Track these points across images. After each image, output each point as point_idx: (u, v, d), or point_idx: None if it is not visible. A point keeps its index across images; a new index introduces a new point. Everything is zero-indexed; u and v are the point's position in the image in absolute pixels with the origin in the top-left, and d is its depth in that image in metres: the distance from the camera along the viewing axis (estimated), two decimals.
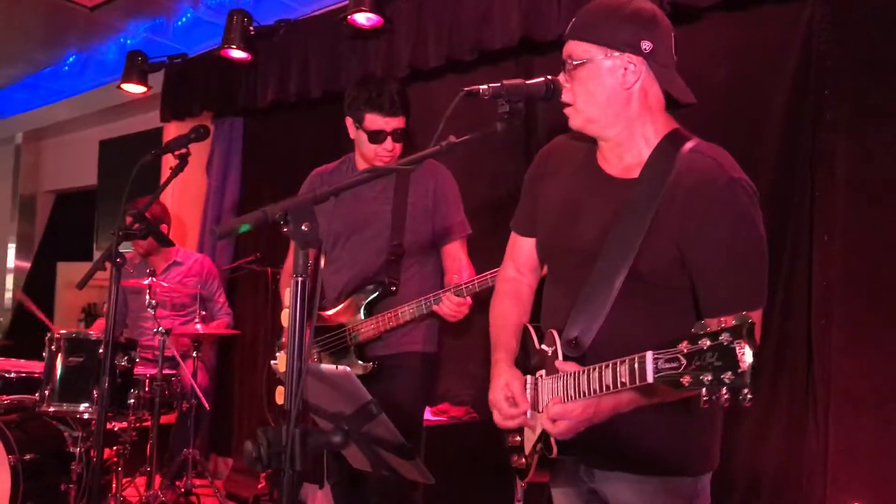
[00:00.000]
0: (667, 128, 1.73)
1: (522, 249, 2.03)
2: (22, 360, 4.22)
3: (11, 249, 8.49)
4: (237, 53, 4.77)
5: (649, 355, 1.39)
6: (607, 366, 1.51)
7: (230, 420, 5.38)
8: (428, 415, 3.71)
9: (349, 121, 2.92)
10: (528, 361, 1.86)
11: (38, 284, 8.05)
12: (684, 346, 1.32)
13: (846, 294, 2.77)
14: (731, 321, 1.28)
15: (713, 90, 3.08)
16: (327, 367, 1.49)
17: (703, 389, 1.28)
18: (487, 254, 3.85)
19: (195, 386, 4.06)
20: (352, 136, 2.94)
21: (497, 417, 1.82)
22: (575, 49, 1.70)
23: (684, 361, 1.32)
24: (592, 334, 1.66)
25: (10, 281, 8.49)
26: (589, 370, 1.56)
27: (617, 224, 1.66)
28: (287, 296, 1.41)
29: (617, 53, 1.66)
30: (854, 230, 2.80)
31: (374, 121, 2.81)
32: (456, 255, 2.87)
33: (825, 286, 2.82)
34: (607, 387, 1.50)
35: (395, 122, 2.83)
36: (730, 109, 3.08)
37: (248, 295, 5.29)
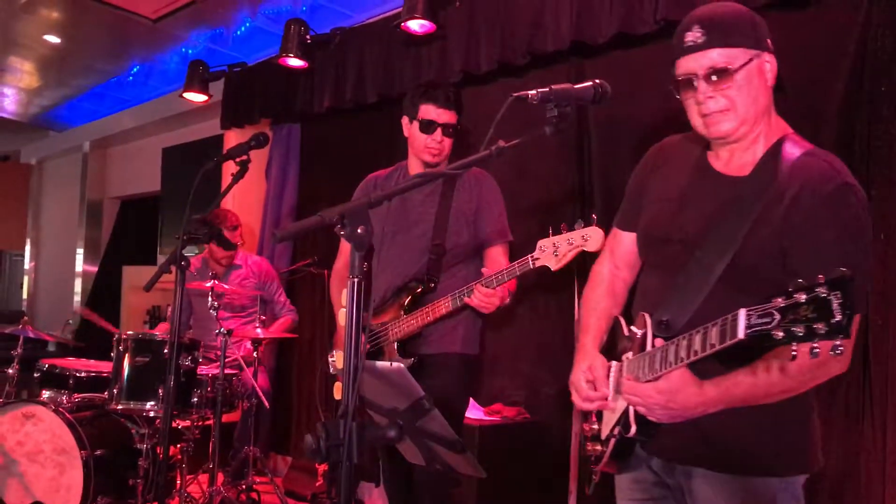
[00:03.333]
0: (781, 129, 1.81)
1: (622, 244, 2.08)
2: (92, 361, 4.39)
3: (80, 254, 8.79)
4: (294, 61, 4.88)
5: (742, 311, 1.36)
6: (697, 331, 1.52)
7: (289, 419, 5.50)
8: (481, 415, 3.76)
9: (405, 119, 3.01)
10: (616, 350, 1.90)
11: (104, 287, 8.32)
12: (779, 301, 1.30)
13: None
14: (828, 276, 1.25)
15: None
16: (381, 363, 1.55)
17: (794, 343, 1.26)
18: None
19: (256, 385, 4.17)
20: (406, 132, 3.02)
21: (576, 399, 1.88)
22: (724, 55, 1.70)
23: (778, 316, 1.29)
24: (684, 319, 1.69)
25: (78, 284, 8.79)
26: (678, 339, 1.58)
27: (722, 217, 1.72)
28: (343, 296, 1.46)
29: (761, 53, 1.73)
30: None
31: (428, 111, 2.92)
32: (496, 258, 2.90)
33: (882, 286, 2.79)
34: (695, 352, 1.51)
35: (447, 116, 2.93)
36: (785, 107, 3.04)
37: (305, 297, 5.40)
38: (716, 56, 1.70)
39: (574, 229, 2.41)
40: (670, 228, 1.84)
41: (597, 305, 2.04)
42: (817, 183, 1.65)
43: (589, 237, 2.36)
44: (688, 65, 1.74)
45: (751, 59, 1.70)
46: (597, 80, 1.78)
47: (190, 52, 6.12)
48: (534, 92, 1.69)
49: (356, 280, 1.45)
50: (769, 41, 1.75)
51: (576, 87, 1.75)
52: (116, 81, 7.15)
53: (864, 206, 1.66)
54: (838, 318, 1.21)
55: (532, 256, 2.52)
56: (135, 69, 6.81)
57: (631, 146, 3.58)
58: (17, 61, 6.77)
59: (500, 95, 1.69)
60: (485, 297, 2.62)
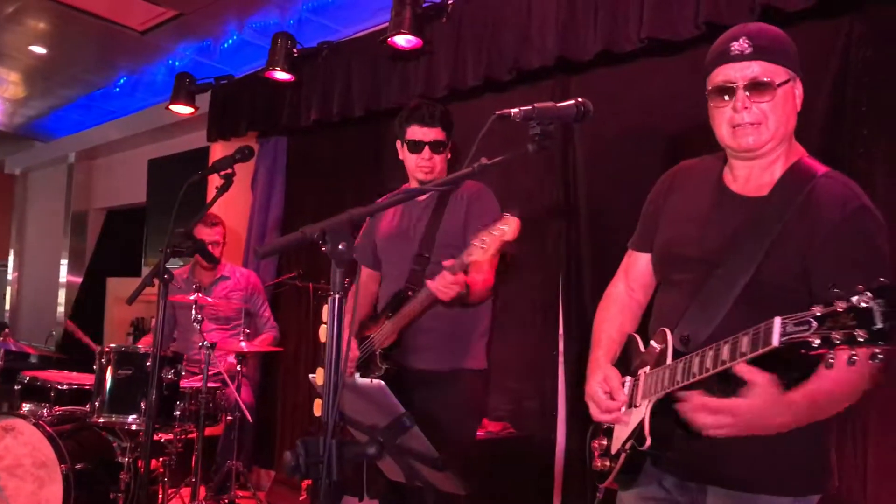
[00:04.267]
0: (798, 152, 1.84)
1: (637, 266, 2.11)
2: (74, 373, 4.36)
3: (64, 265, 8.75)
4: (281, 75, 4.88)
5: (777, 319, 1.36)
6: (725, 342, 1.53)
7: (273, 433, 5.47)
8: None
9: (398, 143, 3.07)
10: (630, 366, 1.91)
11: (88, 299, 8.28)
12: (817, 310, 1.30)
13: None
14: (871, 285, 1.25)
15: None
16: (362, 380, 1.55)
17: (832, 351, 1.27)
18: (527, 271, 3.91)
19: (239, 399, 4.15)
20: (400, 156, 3.08)
21: (594, 411, 1.88)
22: (767, 69, 1.73)
23: (815, 324, 1.30)
24: (705, 335, 1.70)
25: (62, 295, 8.74)
26: (702, 350, 1.59)
27: (743, 236, 1.75)
28: (324, 312, 1.46)
29: (796, 77, 1.77)
30: (894, 247, 2.77)
31: (414, 132, 2.98)
32: (480, 264, 2.85)
33: None
34: (723, 362, 1.52)
35: (433, 134, 2.97)
36: None
37: (290, 310, 5.39)
38: (759, 69, 1.73)
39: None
40: (689, 247, 1.86)
41: (611, 322, 2.06)
42: (836, 204, 1.69)
43: (506, 226, 2.42)
44: (728, 73, 1.76)
45: (789, 80, 1.75)
46: (579, 99, 1.77)
47: (177, 64, 6.12)
48: (516, 110, 1.69)
49: (337, 296, 1.45)
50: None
51: (558, 105, 1.75)
52: (103, 93, 7.14)
53: (882, 228, 1.70)
54: (880, 325, 1.21)
55: (466, 253, 2.55)
56: (121, 80, 6.80)
57: (616, 161, 3.60)
58: (2, 71, 6.77)
59: (486, 111, 1.69)
60: (444, 283, 2.60)
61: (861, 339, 1.23)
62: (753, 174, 1.83)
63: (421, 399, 2.82)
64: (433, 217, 2.98)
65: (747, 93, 1.73)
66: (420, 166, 2.98)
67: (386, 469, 1.79)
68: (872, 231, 1.68)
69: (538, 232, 3.89)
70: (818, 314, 1.30)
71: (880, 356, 1.23)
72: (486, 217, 2.92)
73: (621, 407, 1.84)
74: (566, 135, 3.79)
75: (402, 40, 4.10)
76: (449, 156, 3.06)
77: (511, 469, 3.69)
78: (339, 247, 1.45)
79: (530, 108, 1.70)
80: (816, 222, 1.68)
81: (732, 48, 1.76)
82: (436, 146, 2.98)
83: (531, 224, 3.92)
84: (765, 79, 1.72)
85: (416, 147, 2.97)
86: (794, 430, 1.68)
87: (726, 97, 1.76)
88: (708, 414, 1.59)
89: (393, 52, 4.29)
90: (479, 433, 3.73)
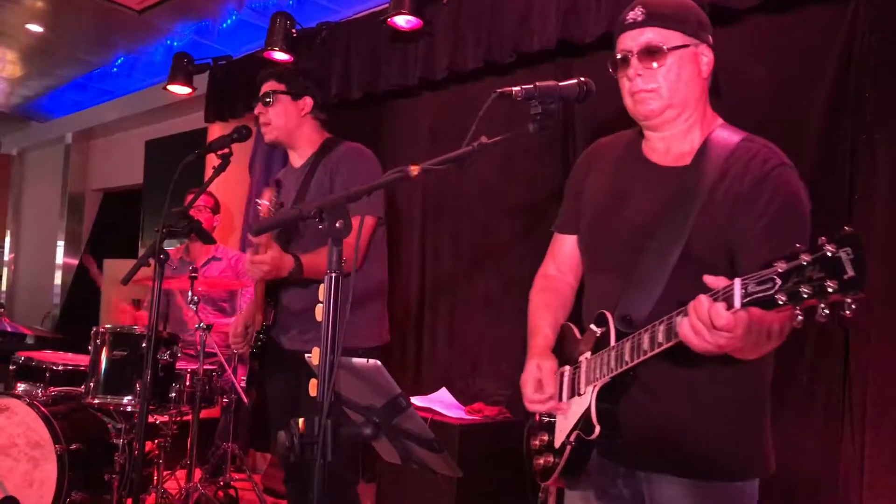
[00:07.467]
0: (715, 119, 1.84)
1: (564, 248, 2.08)
2: (69, 354, 4.34)
3: (60, 246, 8.71)
4: (280, 55, 4.84)
5: (737, 281, 1.29)
6: (679, 312, 1.44)
7: (269, 416, 5.45)
8: (462, 413, 3.74)
9: None
10: (567, 355, 1.86)
11: (85, 280, 8.25)
12: (780, 266, 1.22)
13: (885, 300, 2.73)
14: (834, 235, 1.17)
15: (752, 92, 3.06)
16: (357, 360, 1.53)
17: (798, 307, 1.19)
18: (525, 256, 3.89)
19: (234, 381, 4.14)
20: None
21: (525, 400, 1.85)
22: (659, 35, 1.74)
23: (779, 281, 1.22)
24: (646, 312, 1.65)
25: (58, 276, 8.71)
26: (653, 325, 1.53)
27: (669, 207, 1.72)
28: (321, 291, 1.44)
29: (699, 43, 1.77)
30: (894, 235, 2.76)
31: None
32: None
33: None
34: (676, 334, 1.44)
35: (266, 87, 2.98)
36: (769, 111, 3.05)
37: None
38: (651, 35, 1.74)
39: None
40: (614, 224, 1.84)
41: (546, 307, 2.01)
42: (758, 164, 1.69)
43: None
44: (625, 42, 1.79)
45: (686, 45, 1.74)
46: (581, 78, 1.76)
47: (175, 44, 6.07)
48: (517, 88, 1.68)
49: (334, 275, 1.43)
50: (710, 38, 1.80)
51: (560, 84, 1.73)
52: (100, 72, 7.09)
53: (802, 185, 1.70)
54: (851, 273, 1.14)
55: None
56: (119, 60, 6.75)
57: None
58: None
59: (487, 94, 1.67)
60: (251, 264, 2.53)
61: (831, 290, 1.15)
62: (673, 145, 1.82)
63: (286, 380, 2.83)
64: (303, 184, 2.89)
65: (643, 57, 1.75)
66: (260, 121, 2.96)
67: (381, 450, 1.77)
68: (795, 185, 1.69)
69: (539, 218, 3.87)
70: (781, 270, 1.22)
71: (853, 306, 1.15)
72: (354, 179, 2.76)
73: (548, 398, 1.79)
74: (567, 119, 3.77)
75: (402, 21, 4.07)
76: (306, 109, 3.02)
77: (508, 452, 3.68)
78: (336, 224, 1.43)
79: (532, 86, 1.69)
80: (740, 183, 1.68)
81: (627, 17, 1.79)
82: (263, 98, 2.95)
83: (530, 209, 3.92)
84: (656, 44, 1.74)
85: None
86: (739, 415, 1.71)
87: (626, 65, 1.78)
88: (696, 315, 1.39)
89: (392, 34, 4.25)
90: (477, 417, 3.72)
